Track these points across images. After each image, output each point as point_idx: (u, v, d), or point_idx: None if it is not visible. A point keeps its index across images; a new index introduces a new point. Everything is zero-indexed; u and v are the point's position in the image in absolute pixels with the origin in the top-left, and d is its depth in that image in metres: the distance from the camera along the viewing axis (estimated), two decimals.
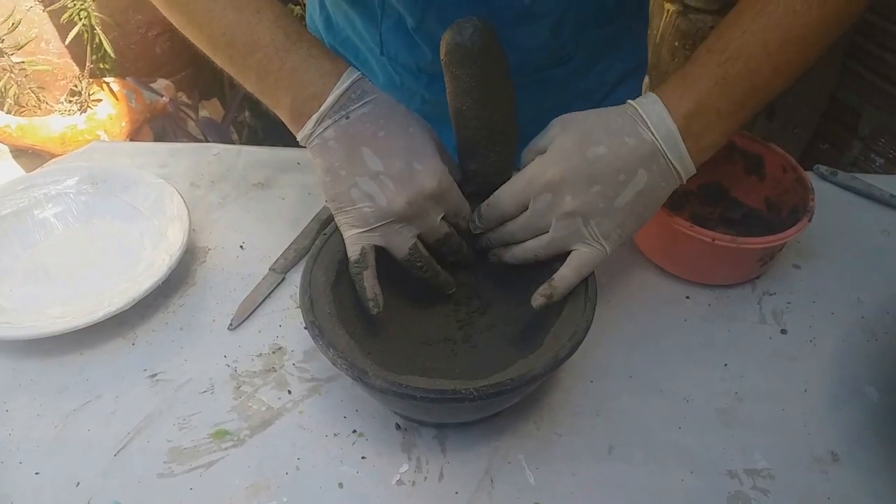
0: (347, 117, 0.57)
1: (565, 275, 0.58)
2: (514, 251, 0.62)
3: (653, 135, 0.57)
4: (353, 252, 0.59)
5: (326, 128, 0.57)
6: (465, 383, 0.50)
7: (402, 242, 0.59)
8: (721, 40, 0.57)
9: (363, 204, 0.57)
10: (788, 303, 0.74)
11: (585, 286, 0.59)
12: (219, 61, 0.61)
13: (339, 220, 0.59)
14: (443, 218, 0.60)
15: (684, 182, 0.60)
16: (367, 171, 0.57)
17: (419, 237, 0.60)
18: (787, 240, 0.68)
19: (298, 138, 0.59)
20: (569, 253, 0.59)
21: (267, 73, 0.58)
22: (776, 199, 0.78)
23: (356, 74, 0.58)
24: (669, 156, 0.57)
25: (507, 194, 0.60)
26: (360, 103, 0.57)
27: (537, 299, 0.58)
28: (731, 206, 0.82)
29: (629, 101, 0.59)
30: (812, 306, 0.74)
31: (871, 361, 0.68)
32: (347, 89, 0.57)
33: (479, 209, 0.62)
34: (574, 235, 0.58)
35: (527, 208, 0.59)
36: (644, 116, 0.57)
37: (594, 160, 0.56)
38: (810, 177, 0.75)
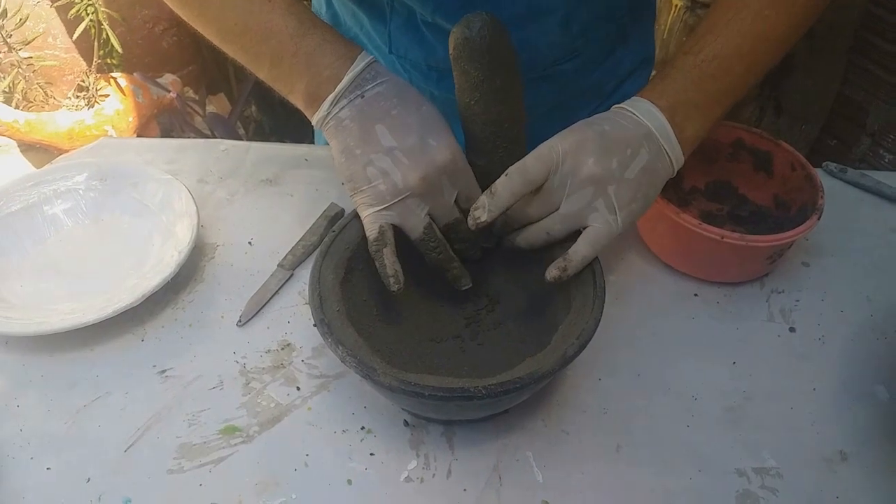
0: (363, 96, 0.58)
1: (579, 249, 0.58)
2: (525, 233, 0.62)
3: (644, 121, 0.60)
4: (371, 231, 0.59)
5: (342, 108, 0.58)
6: (474, 381, 0.50)
7: (417, 221, 0.59)
8: (697, 44, 0.62)
9: (378, 181, 0.57)
10: (797, 301, 0.74)
11: (594, 284, 0.59)
12: (230, 51, 0.62)
13: (356, 200, 0.60)
14: (456, 201, 0.60)
15: (674, 173, 0.62)
16: (381, 147, 0.57)
17: (431, 218, 0.60)
18: (796, 238, 0.68)
19: (314, 121, 0.60)
20: (579, 234, 0.59)
21: (281, 58, 0.58)
22: (785, 197, 0.78)
23: (370, 57, 0.59)
24: (661, 139, 0.60)
25: (525, 165, 0.58)
26: (375, 83, 0.58)
27: (551, 272, 0.58)
28: (740, 203, 0.82)
29: (614, 106, 0.63)
30: (821, 304, 0.74)
31: (881, 360, 0.68)
32: (362, 70, 0.58)
33: (493, 189, 0.58)
34: (587, 208, 0.58)
35: (543, 182, 0.59)
36: (632, 110, 0.61)
37: (602, 133, 0.59)
38: (819, 174, 0.75)
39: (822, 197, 0.71)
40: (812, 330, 0.71)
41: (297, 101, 0.61)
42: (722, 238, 0.67)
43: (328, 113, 0.58)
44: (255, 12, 0.58)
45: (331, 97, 0.58)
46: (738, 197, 0.82)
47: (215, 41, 0.62)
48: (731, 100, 0.63)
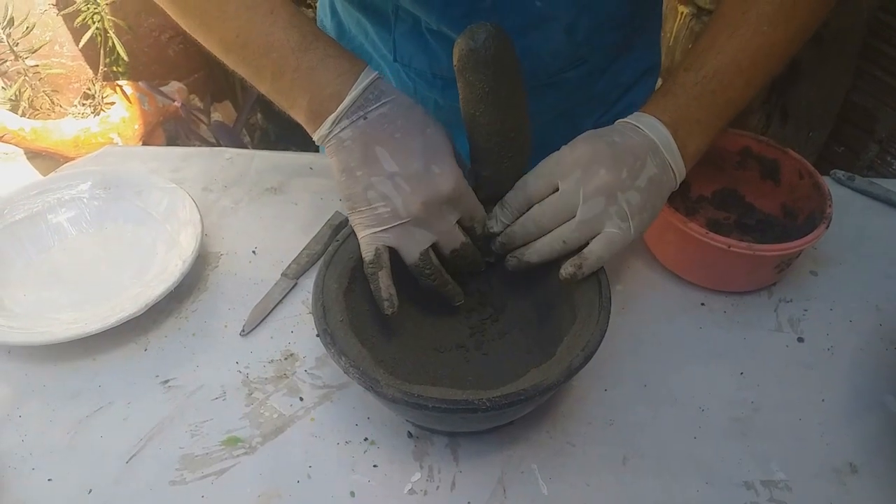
0: (365, 118, 0.56)
1: (594, 250, 0.58)
2: (537, 245, 0.61)
3: (650, 135, 0.61)
4: (367, 252, 0.59)
5: (344, 128, 0.56)
6: (478, 393, 0.50)
7: (413, 247, 0.59)
8: (698, 60, 0.63)
9: (378, 204, 0.57)
10: (805, 310, 0.73)
11: (599, 294, 0.58)
12: (231, 63, 0.61)
13: (354, 220, 0.59)
14: (458, 221, 0.60)
15: (677, 186, 0.63)
16: (382, 171, 0.56)
17: (434, 246, 0.60)
18: (804, 247, 0.67)
19: (315, 138, 0.59)
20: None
21: (282, 73, 0.57)
22: (792, 206, 0.77)
23: (374, 74, 0.57)
24: (666, 154, 0.61)
25: (535, 175, 0.60)
26: (378, 104, 0.57)
27: (566, 269, 0.59)
28: (747, 211, 0.81)
29: (618, 120, 0.64)
30: (829, 314, 0.73)
31: (890, 370, 0.67)
32: (365, 89, 0.57)
33: (504, 200, 0.62)
34: (603, 215, 0.58)
35: (553, 192, 0.59)
36: (638, 124, 0.61)
37: (612, 144, 0.59)
38: (827, 182, 0.74)
39: (830, 205, 0.71)
40: (821, 339, 0.70)
41: (299, 117, 0.60)
42: (729, 247, 0.67)
43: (329, 132, 0.57)
44: (257, 24, 0.57)
45: (332, 117, 0.56)
46: (745, 205, 0.82)
47: (216, 52, 0.61)
48: (732, 112, 0.64)
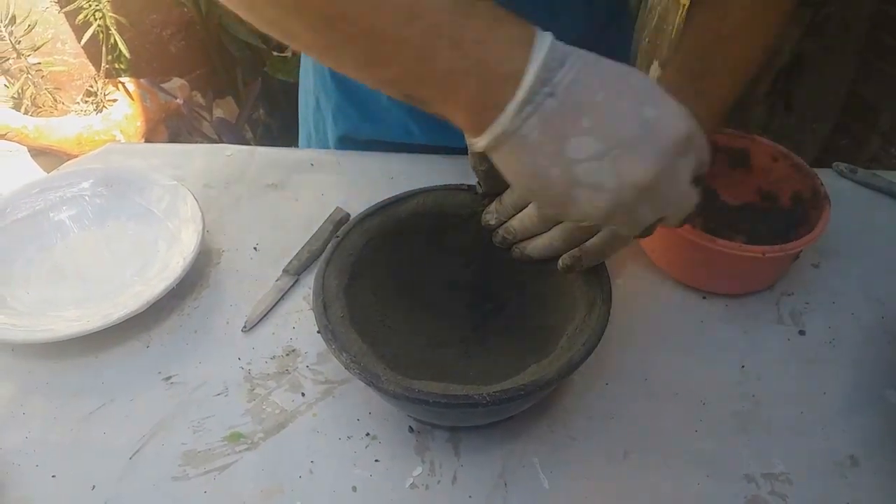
0: (553, 94, 0.41)
1: (596, 243, 0.58)
2: (537, 242, 0.60)
3: None
4: None
5: (528, 117, 0.42)
6: (478, 389, 0.50)
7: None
8: (687, 61, 0.63)
9: (586, 199, 0.45)
10: (807, 303, 0.73)
11: (600, 288, 0.58)
12: (351, 55, 0.44)
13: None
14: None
15: None
16: (588, 152, 0.42)
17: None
18: (822, 231, 0.68)
19: (483, 143, 0.44)
20: None
21: (434, 51, 0.41)
22: (770, 188, 0.77)
23: (549, 36, 0.42)
24: None
25: None
26: (564, 70, 0.41)
27: (565, 260, 0.58)
28: (724, 206, 0.81)
29: None
30: (831, 307, 0.73)
31: (892, 363, 0.67)
32: (546, 58, 0.41)
33: (502, 196, 0.61)
34: None
35: None
36: None
37: None
38: (829, 175, 0.74)
39: (821, 183, 0.71)
40: (822, 333, 0.70)
41: (457, 116, 0.45)
42: (764, 254, 0.66)
43: (509, 129, 0.42)
44: None
45: (513, 106, 0.41)
46: (719, 201, 0.81)
47: (316, 40, 0.45)
48: (722, 107, 0.63)
